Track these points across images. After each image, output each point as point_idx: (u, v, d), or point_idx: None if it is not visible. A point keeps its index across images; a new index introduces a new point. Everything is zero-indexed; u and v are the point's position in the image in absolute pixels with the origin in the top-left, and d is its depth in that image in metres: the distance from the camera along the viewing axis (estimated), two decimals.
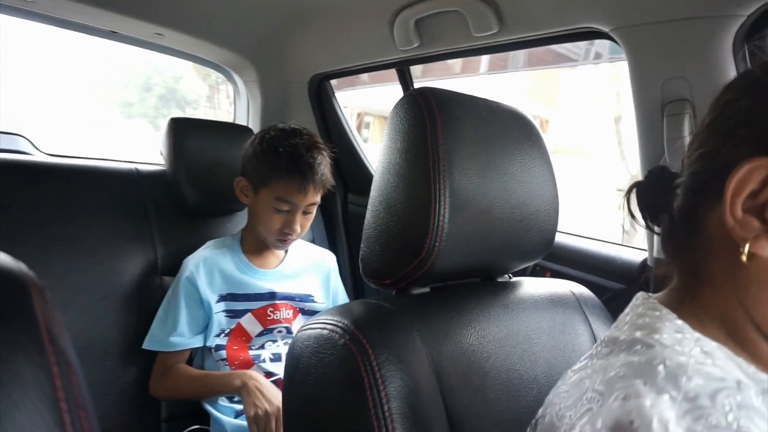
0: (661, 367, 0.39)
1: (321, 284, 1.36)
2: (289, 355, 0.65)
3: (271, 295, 1.25)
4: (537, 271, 1.26)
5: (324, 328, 0.62)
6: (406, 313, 0.66)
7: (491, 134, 0.70)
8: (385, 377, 0.56)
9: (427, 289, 0.74)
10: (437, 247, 0.64)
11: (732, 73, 0.86)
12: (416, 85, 1.50)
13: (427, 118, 0.65)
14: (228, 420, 1.17)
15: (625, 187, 0.54)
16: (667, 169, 0.51)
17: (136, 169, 1.42)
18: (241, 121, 1.84)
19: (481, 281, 0.81)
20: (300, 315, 1.29)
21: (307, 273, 1.34)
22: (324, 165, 1.20)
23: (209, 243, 1.30)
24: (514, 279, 0.84)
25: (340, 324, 0.61)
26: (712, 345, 0.42)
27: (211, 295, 1.21)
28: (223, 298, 1.22)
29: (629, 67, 0.97)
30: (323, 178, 1.20)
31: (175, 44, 1.60)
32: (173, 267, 1.29)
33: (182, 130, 1.37)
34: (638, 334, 0.44)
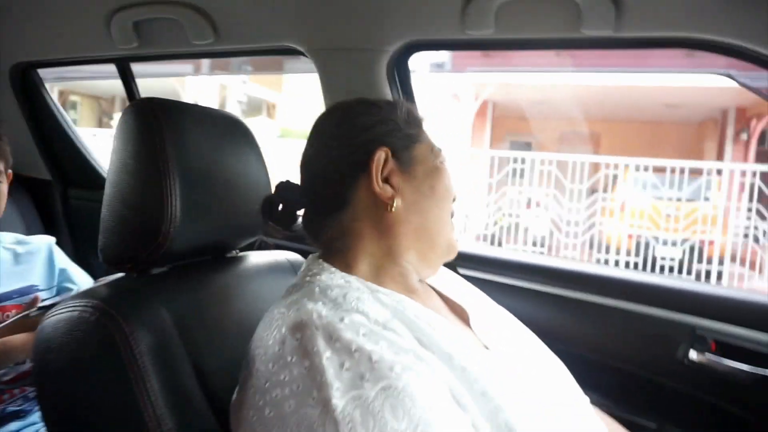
0: (317, 289, 0.65)
1: (43, 269, 1.30)
2: (38, 340, 0.71)
3: None
4: (262, 246, 1.46)
5: (74, 310, 0.70)
6: (149, 288, 0.78)
7: (212, 137, 0.87)
8: (137, 340, 0.68)
9: (165, 269, 0.86)
10: (171, 231, 0.77)
11: (387, 92, 1.21)
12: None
13: (154, 124, 0.77)
14: None
15: None
16: (291, 182, 0.78)
17: None
18: None
19: (213, 258, 0.97)
20: (25, 310, 1.23)
21: (20, 265, 1.27)
22: None
23: None
24: (241, 254, 1.03)
25: (89, 304, 0.70)
26: (350, 277, 0.69)
27: None
28: None
29: (319, 80, 1.25)
30: None
31: None
32: None
33: None
34: (307, 278, 0.70)
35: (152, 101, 0.81)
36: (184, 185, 0.78)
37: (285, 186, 0.78)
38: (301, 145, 0.79)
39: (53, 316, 0.72)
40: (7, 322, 1.11)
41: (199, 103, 0.92)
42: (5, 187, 1.22)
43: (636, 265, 5.77)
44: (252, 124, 1.02)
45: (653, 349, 1.13)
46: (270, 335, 0.61)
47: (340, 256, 0.73)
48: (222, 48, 1.29)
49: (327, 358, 0.55)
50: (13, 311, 1.21)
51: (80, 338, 0.68)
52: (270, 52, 1.31)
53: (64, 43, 1.44)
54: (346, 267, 0.71)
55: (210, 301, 0.85)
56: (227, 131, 0.91)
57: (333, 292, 0.64)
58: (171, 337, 0.74)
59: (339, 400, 0.52)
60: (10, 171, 1.24)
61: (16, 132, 1.57)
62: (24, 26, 1.42)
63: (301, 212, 0.80)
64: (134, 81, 1.51)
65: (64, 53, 1.47)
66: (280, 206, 0.79)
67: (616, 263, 5.86)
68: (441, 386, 0.57)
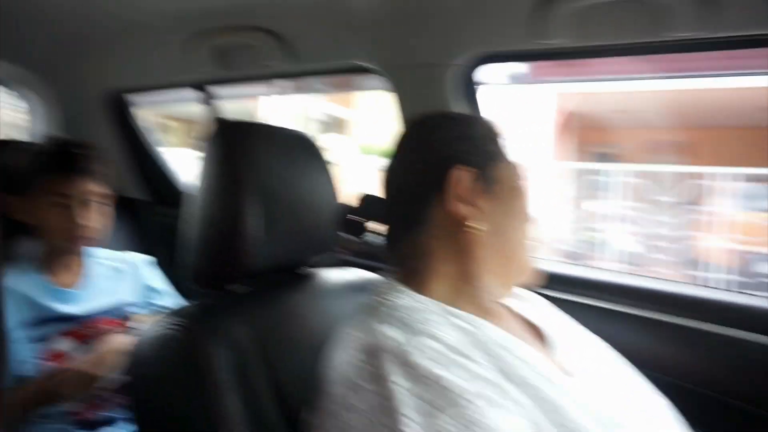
0: (389, 311, 0.64)
1: (136, 287, 1.37)
2: (133, 354, 0.77)
3: (82, 316, 1.24)
4: (339, 263, 1.47)
5: (164, 328, 0.75)
6: (231, 307, 0.82)
7: (285, 155, 0.90)
8: (219, 358, 0.72)
9: (247, 287, 0.89)
10: (252, 250, 0.80)
11: (459, 107, 1.19)
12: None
13: (234, 146, 0.82)
14: None
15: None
16: (373, 195, 0.78)
17: None
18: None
19: (290, 274, 0.98)
20: (119, 325, 1.30)
21: (115, 281, 1.34)
22: (91, 156, 1.24)
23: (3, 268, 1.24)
24: (315, 271, 1.03)
25: (178, 323, 0.75)
26: (424, 299, 0.67)
27: (9, 323, 1.15)
28: (26, 324, 1.18)
29: (393, 97, 1.25)
30: (90, 166, 1.23)
31: None
32: None
33: None
34: (380, 299, 0.68)
35: (232, 123, 0.86)
36: (263, 204, 0.81)
37: (366, 198, 0.79)
38: (381, 161, 0.79)
39: (148, 332, 0.77)
40: (100, 349, 1.18)
41: (274, 122, 0.96)
42: (111, 209, 1.30)
43: (738, 285, 5.30)
44: (329, 141, 1.04)
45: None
46: (342, 358, 0.61)
47: (414, 275, 0.71)
48: (296, 69, 1.33)
49: (397, 383, 0.54)
50: (107, 326, 1.28)
51: (169, 355, 0.74)
52: (342, 71, 1.33)
53: (148, 71, 1.55)
54: (421, 287, 0.69)
55: (286, 318, 0.87)
56: (299, 149, 0.94)
57: (405, 314, 0.63)
58: (250, 355, 0.76)
59: (408, 427, 0.51)
60: (114, 193, 1.32)
61: (110, 155, 1.68)
62: (115, 55, 1.55)
63: (376, 226, 0.80)
64: (215, 104, 1.59)
65: (149, 80, 1.58)
66: (360, 218, 0.79)
67: (716, 282, 5.42)
68: (516, 416, 0.55)
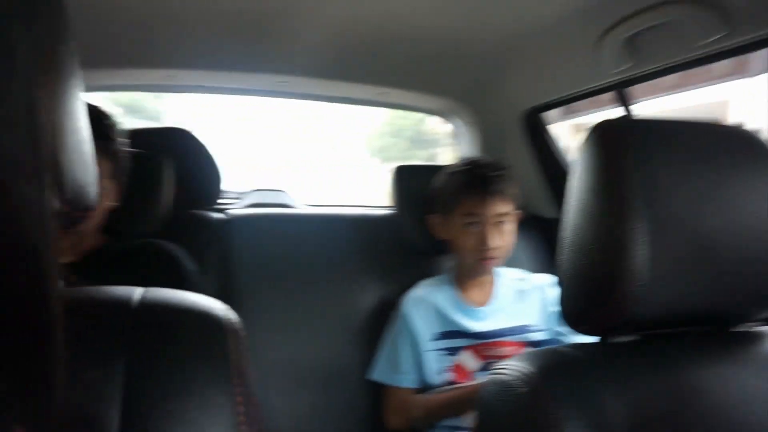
0: None
1: (538, 310, 1.32)
2: (479, 395, 0.67)
3: (486, 334, 1.26)
4: None
5: (509, 375, 0.63)
6: (602, 365, 0.63)
7: (700, 162, 0.64)
8: None
9: (633, 338, 0.67)
10: (637, 292, 0.59)
11: None
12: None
13: (619, 153, 0.62)
14: None
15: None
16: None
17: (373, 214, 1.62)
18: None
19: (705, 330, 0.70)
20: (522, 347, 1.26)
21: (520, 302, 1.32)
22: (503, 178, 1.26)
23: (426, 281, 1.38)
24: (758, 329, 0.71)
25: (525, 372, 0.61)
26: None
27: (425, 334, 1.27)
28: (438, 336, 1.27)
29: None
30: (501, 188, 1.24)
31: (396, 100, 1.78)
32: None
33: (406, 177, 1.49)
34: None
35: (617, 122, 0.66)
36: (657, 230, 0.59)
37: None
38: None
39: (495, 374, 0.66)
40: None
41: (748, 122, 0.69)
42: (514, 227, 1.29)
43: None
44: None
45: None
46: None
47: None
48: (737, 41, 0.96)
49: None
50: (507, 347, 1.25)
51: (506, 411, 0.61)
52: None
53: (558, 83, 1.45)
54: None
55: (692, 397, 0.62)
56: (729, 154, 0.65)
57: None
58: None
59: None
60: (519, 211, 1.30)
61: (526, 174, 1.67)
62: (525, 75, 1.52)
63: None
64: (630, 108, 1.34)
65: (560, 92, 1.47)
66: None
67: None
68: None
